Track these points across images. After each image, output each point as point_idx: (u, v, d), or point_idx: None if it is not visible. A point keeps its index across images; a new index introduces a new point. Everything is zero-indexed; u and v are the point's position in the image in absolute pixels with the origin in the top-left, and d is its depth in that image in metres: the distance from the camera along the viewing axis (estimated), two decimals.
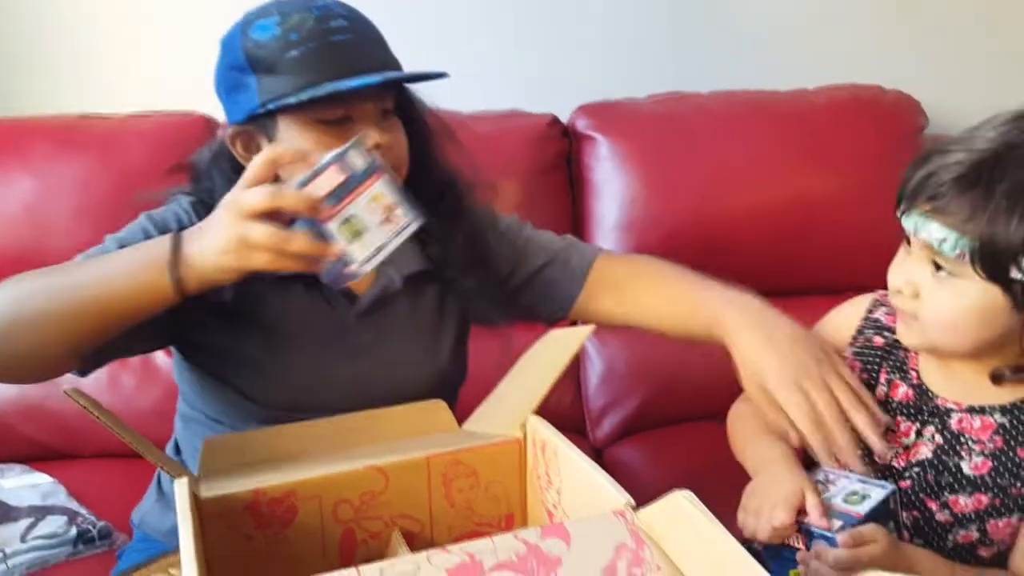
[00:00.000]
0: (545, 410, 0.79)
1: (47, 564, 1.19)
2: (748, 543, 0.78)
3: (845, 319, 0.95)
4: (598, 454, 1.57)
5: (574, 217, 1.64)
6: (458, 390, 1.08)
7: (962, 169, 0.75)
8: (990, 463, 0.81)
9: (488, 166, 1.52)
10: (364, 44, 0.90)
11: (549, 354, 0.87)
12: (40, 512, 1.25)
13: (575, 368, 1.64)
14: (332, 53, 0.87)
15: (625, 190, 1.60)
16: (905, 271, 0.81)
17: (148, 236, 0.92)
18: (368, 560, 0.73)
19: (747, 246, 1.60)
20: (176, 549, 0.86)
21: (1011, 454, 0.80)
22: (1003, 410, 0.82)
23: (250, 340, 0.94)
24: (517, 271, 1.08)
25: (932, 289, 0.78)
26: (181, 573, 0.86)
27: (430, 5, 1.74)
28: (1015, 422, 0.81)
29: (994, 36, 1.88)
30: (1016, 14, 1.88)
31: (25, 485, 1.33)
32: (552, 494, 0.74)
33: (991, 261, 0.74)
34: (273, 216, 0.74)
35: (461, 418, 0.87)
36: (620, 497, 0.62)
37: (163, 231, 0.91)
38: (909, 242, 0.82)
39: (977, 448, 0.81)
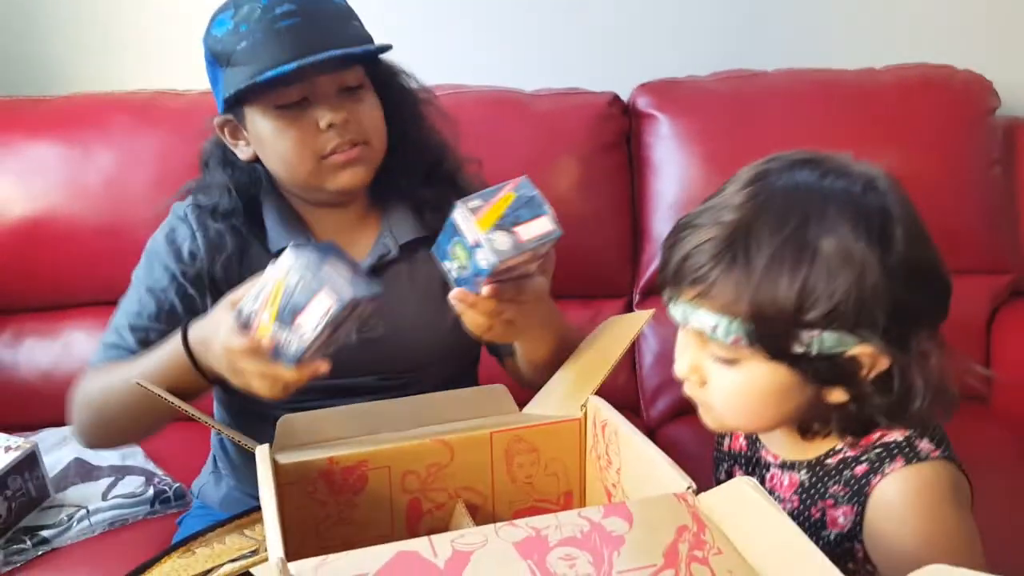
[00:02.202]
0: (600, 388, 0.81)
1: (126, 521, 1.24)
2: None
3: None
4: (651, 433, 1.58)
5: (633, 196, 1.64)
6: (476, 356, 1.10)
7: (717, 247, 0.68)
8: None
9: (549, 144, 1.54)
10: (312, 25, 0.91)
11: (609, 337, 0.89)
12: (120, 472, 1.30)
13: (630, 347, 1.63)
14: (277, 40, 0.90)
15: (685, 169, 1.58)
16: (689, 358, 0.74)
17: (167, 269, 0.98)
18: (433, 529, 0.77)
19: None
20: (238, 515, 0.91)
21: (806, 513, 0.78)
22: (808, 466, 0.78)
23: None
24: None
25: (718, 376, 0.72)
26: (254, 533, 0.90)
27: None
28: (814, 479, 0.78)
29: None
30: None
31: None
32: (612, 473, 0.76)
33: (769, 340, 0.67)
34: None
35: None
36: (682, 481, 0.63)
37: (176, 254, 0.98)
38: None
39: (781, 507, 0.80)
